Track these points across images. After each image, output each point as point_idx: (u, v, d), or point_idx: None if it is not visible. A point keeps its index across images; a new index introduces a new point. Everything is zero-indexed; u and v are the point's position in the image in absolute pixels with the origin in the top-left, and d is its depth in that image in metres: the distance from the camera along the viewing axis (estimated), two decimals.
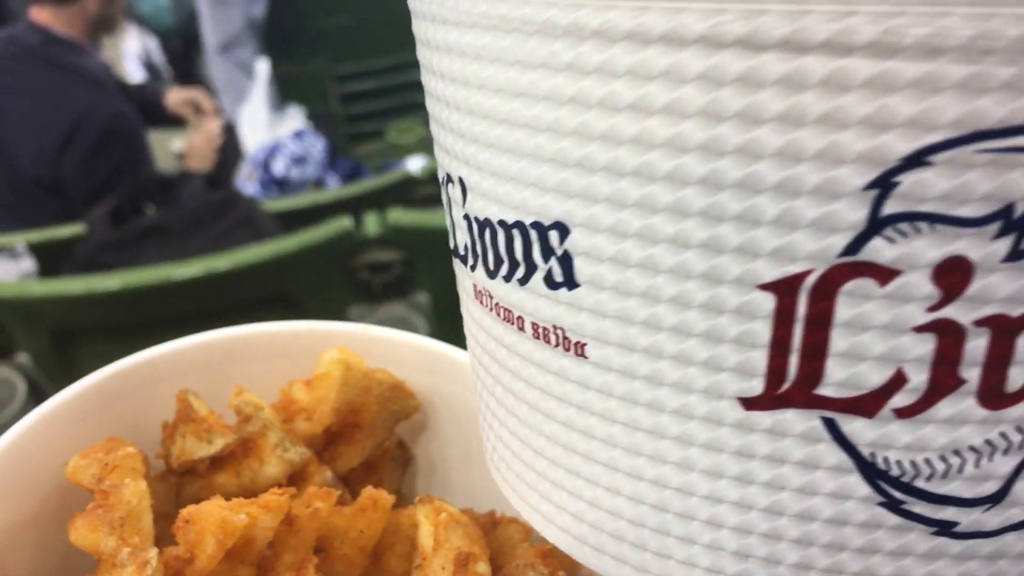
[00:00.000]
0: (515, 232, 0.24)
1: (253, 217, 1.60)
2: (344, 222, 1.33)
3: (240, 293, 1.39)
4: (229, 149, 2.16)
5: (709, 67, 0.18)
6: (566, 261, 0.23)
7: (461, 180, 0.26)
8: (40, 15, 1.75)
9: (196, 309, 1.37)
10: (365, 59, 2.74)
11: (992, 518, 0.21)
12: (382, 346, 0.40)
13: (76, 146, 1.69)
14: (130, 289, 1.33)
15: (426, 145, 2.48)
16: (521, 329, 0.25)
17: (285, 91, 2.42)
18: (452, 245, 0.29)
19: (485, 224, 0.25)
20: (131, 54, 3.33)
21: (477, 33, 0.22)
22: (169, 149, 2.35)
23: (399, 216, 1.32)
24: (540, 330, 0.25)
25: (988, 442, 0.20)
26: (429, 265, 1.36)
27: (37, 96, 1.70)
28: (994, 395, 0.20)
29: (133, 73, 3.21)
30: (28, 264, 1.51)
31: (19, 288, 1.36)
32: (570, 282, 0.23)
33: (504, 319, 0.26)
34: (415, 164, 2.00)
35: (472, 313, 0.29)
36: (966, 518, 0.21)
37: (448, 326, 1.38)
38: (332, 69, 2.68)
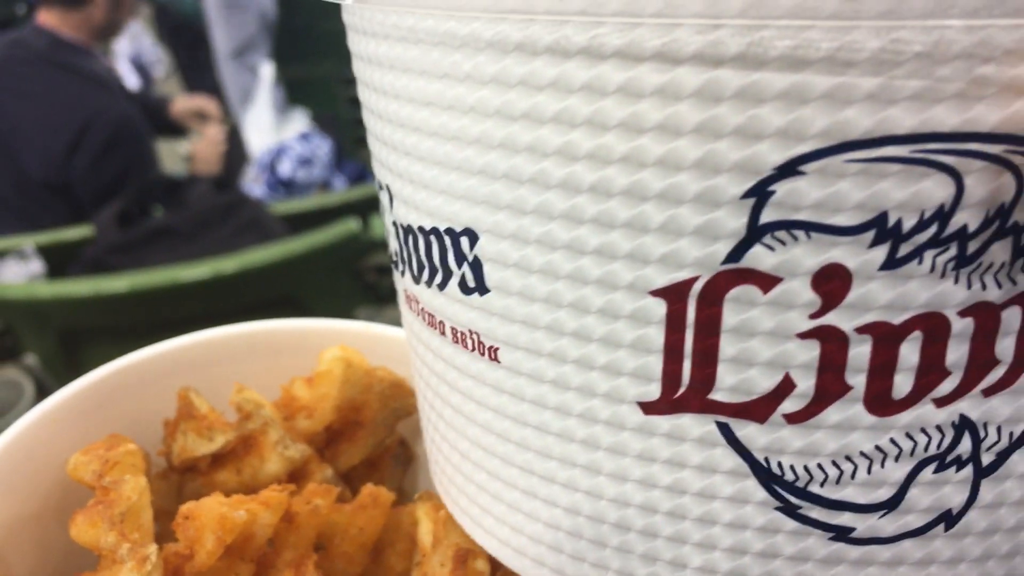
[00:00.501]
0: (433, 238, 0.24)
1: (260, 219, 1.60)
2: (351, 224, 1.33)
3: (247, 295, 1.39)
4: (235, 152, 2.16)
5: (592, 78, 0.19)
6: (477, 267, 0.23)
7: (388, 188, 0.26)
8: (47, 19, 1.76)
9: (203, 311, 1.37)
10: None
11: (888, 524, 0.22)
12: (383, 344, 0.40)
13: (85, 149, 1.70)
14: (137, 291, 1.33)
15: None
16: (443, 333, 0.26)
17: (291, 94, 2.42)
18: (389, 251, 0.29)
19: (408, 230, 0.26)
20: (123, 54, 3.33)
21: (391, 46, 0.23)
22: (177, 152, 2.35)
23: None
24: (458, 334, 0.25)
25: (878, 448, 0.21)
26: None
27: (45, 99, 1.70)
28: (881, 402, 0.20)
29: (125, 75, 3.21)
30: (37, 266, 1.52)
31: (27, 290, 1.36)
32: (481, 287, 0.23)
33: (428, 323, 0.27)
34: None
35: (405, 318, 0.29)
36: (862, 524, 0.22)
37: None
38: (339, 72, 2.69)
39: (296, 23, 2.71)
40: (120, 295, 1.33)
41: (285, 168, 2.11)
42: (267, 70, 2.26)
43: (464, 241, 0.23)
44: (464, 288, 0.24)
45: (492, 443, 0.26)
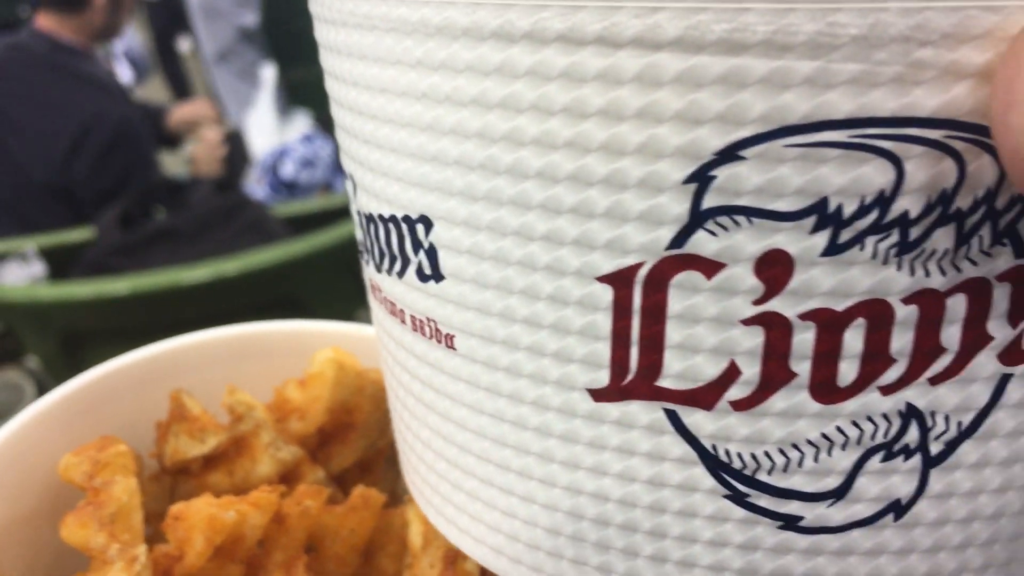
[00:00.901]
0: (392, 226, 0.25)
1: (262, 221, 1.61)
2: (353, 226, 1.33)
3: (249, 297, 1.39)
4: (236, 154, 2.16)
5: (536, 63, 0.19)
6: (432, 254, 0.23)
7: (352, 177, 0.27)
8: (45, 22, 1.76)
9: (205, 313, 1.37)
10: None
11: (836, 513, 0.22)
12: (376, 345, 0.40)
13: (85, 151, 1.70)
14: (139, 293, 1.33)
15: None
16: (403, 322, 0.26)
17: (293, 96, 2.43)
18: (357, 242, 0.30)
19: (371, 219, 0.26)
20: (117, 49, 3.34)
21: (343, 32, 0.23)
22: (179, 155, 2.36)
23: None
24: (417, 322, 0.25)
25: (825, 436, 0.21)
26: None
27: (45, 103, 1.71)
28: (826, 389, 0.20)
29: (121, 71, 3.22)
30: (38, 268, 1.52)
31: (28, 292, 1.37)
32: (436, 274, 0.24)
33: (390, 312, 0.27)
34: None
35: (372, 307, 0.29)
36: (810, 513, 0.22)
37: None
38: None
39: (298, 25, 2.72)
40: (121, 297, 1.33)
41: (287, 170, 2.12)
42: (269, 73, 2.27)
43: (420, 228, 0.23)
44: (421, 275, 0.24)
45: (451, 431, 0.26)
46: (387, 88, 0.22)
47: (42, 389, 1.30)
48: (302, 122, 2.25)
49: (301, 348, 0.40)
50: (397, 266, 0.25)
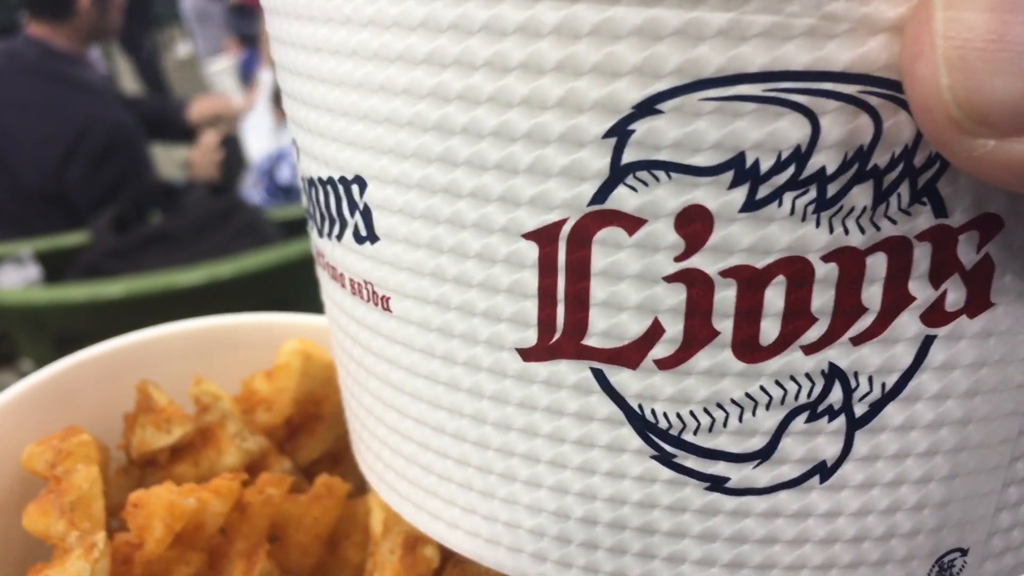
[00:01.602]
0: (330, 188, 0.24)
1: (256, 224, 1.61)
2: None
3: (243, 300, 1.39)
4: (232, 158, 2.17)
5: (458, 17, 0.19)
6: (367, 214, 0.23)
7: (295, 142, 0.27)
8: (37, 30, 1.77)
9: (199, 316, 1.37)
10: None
11: (762, 475, 0.22)
12: None
13: (80, 157, 1.71)
14: (133, 296, 1.34)
15: None
16: (343, 286, 0.26)
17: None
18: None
19: (312, 183, 0.26)
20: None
21: None
22: (174, 158, 2.37)
23: None
24: (355, 285, 0.25)
25: (748, 396, 0.21)
26: None
27: (39, 109, 1.71)
28: (749, 348, 0.20)
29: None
30: (33, 271, 1.53)
31: (23, 295, 1.37)
32: (371, 236, 0.23)
33: (332, 277, 0.27)
34: None
35: (320, 278, 0.29)
36: (736, 474, 0.22)
37: None
38: None
39: None
40: (116, 300, 1.33)
41: (284, 174, 2.12)
42: (266, 76, 2.28)
43: (355, 189, 0.23)
44: (357, 237, 0.24)
45: (389, 396, 0.26)
46: (321, 46, 0.22)
47: None
48: None
49: (270, 340, 0.40)
50: (336, 229, 0.25)
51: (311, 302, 1.13)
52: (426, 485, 0.26)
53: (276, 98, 2.30)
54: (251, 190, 2.10)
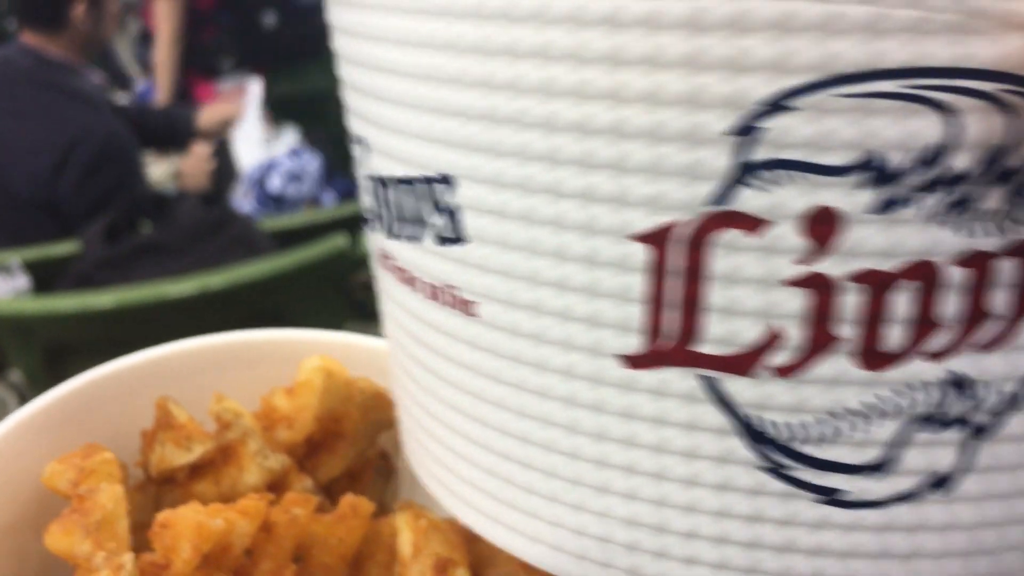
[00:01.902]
0: (408, 187, 0.24)
1: (248, 235, 1.60)
2: (339, 240, 1.33)
3: (235, 311, 1.39)
4: (224, 168, 2.16)
5: (573, 9, 0.18)
6: (454, 215, 0.22)
7: (362, 139, 0.26)
8: (31, 39, 1.76)
9: (190, 327, 1.36)
10: None
11: (878, 487, 0.21)
12: (364, 354, 0.40)
13: (72, 166, 1.70)
14: (124, 306, 1.32)
15: None
16: (417, 289, 0.25)
17: (283, 111, 2.43)
18: (366, 216, 0.28)
19: (383, 182, 0.25)
20: None
21: None
22: (166, 169, 2.36)
23: None
24: (433, 289, 0.24)
25: (868, 404, 0.20)
26: None
27: (31, 118, 1.70)
28: (871, 355, 0.19)
29: None
30: (23, 281, 1.51)
31: (12, 305, 1.36)
32: (458, 237, 0.23)
33: (402, 280, 0.26)
34: None
35: (381, 280, 0.28)
36: (851, 486, 0.21)
37: None
38: (332, 88, 2.69)
39: (287, 38, 2.72)
40: (106, 310, 1.32)
41: (274, 184, 2.11)
42: (256, 87, 2.27)
43: (440, 188, 0.22)
44: (440, 239, 0.23)
45: (467, 404, 0.25)
46: (406, 39, 0.21)
47: (25, 403, 1.29)
48: (289, 136, 2.25)
49: (288, 356, 0.39)
50: (413, 230, 0.24)
51: (305, 313, 1.13)
52: (506, 498, 0.25)
53: (269, 107, 2.30)
54: (242, 200, 2.09)
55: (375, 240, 0.27)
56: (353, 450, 0.38)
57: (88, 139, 1.71)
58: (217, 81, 2.53)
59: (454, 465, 0.27)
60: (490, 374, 0.24)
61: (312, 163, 2.14)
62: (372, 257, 0.29)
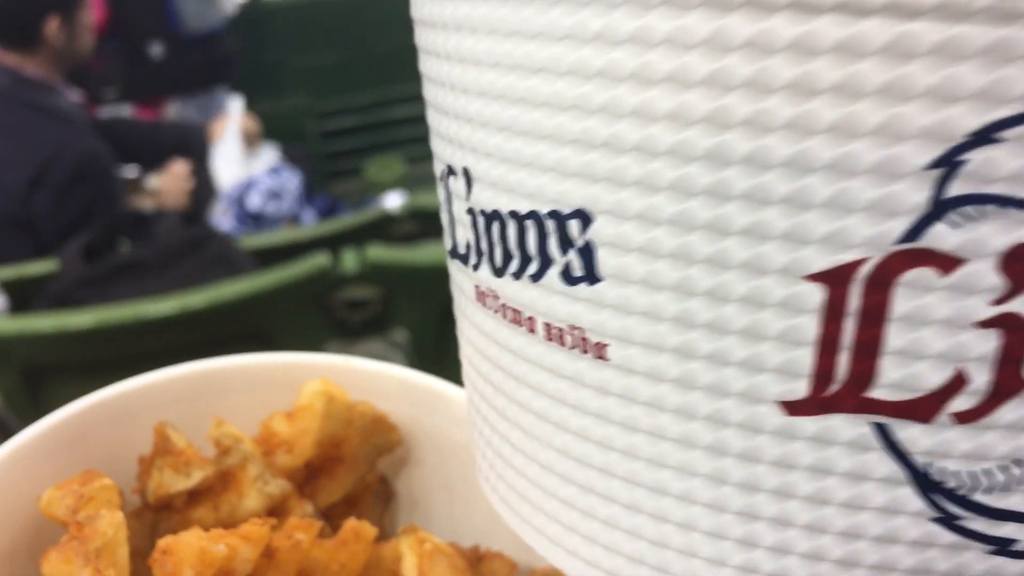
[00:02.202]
0: (528, 223, 0.22)
1: (229, 254, 1.59)
2: (321, 259, 1.33)
3: (215, 330, 1.38)
4: (202, 186, 2.15)
5: (755, 33, 0.17)
6: (587, 253, 0.21)
7: (466, 171, 0.24)
8: (7, 58, 1.75)
9: (171, 346, 1.36)
10: (345, 96, 2.76)
11: None
12: (363, 378, 0.40)
13: (48, 184, 1.69)
14: (103, 326, 1.31)
15: (405, 182, 2.48)
16: (531, 331, 0.23)
17: (262, 129, 2.43)
18: (449, 245, 0.27)
19: (493, 217, 0.23)
20: None
21: (491, 6, 0.21)
22: (144, 188, 2.35)
23: (378, 253, 1.31)
24: (554, 331, 0.23)
25: None
26: (408, 302, 1.35)
27: (7, 135, 1.69)
28: None
29: None
30: (0, 301, 1.50)
31: None
32: (591, 276, 0.21)
33: (512, 321, 0.24)
34: (393, 201, 2.00)
35: (472, 318, 0.27)
36: None
37: (427, 364, 1.37)
38: (312, 106, 2.69)
39: (267, 59, 2.72)
40: (85, 330, 1.31)
41: (254, 201, 2.11)
42: (236, 104, 2.27)
43: (573, 224, 0.21)
44: (568, 278, 0.22)
45: (589, 452, 0.23)
46: (543, 67, 0.20)
47: (3, 424, 1.27)
48: (269, 154, 2.25)
49: (288, 380, 0.39)
50: (531, 268, 0.22)
51: (287, 332, 1.12)
52: (630, 551, 0.24)
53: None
54: (221, 218, 2.08)
55: (470, 277, 0.26)
56: (353, 475, 0.38)
57: (64, 157, 1.70)
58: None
59: (562, 516, 0.25)
60: (621, 421, 0.22)
61: (292, 181, 2.13)
62: (461, 294, 0.27)
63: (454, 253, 0.27)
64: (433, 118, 0.26)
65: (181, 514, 0.36)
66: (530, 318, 0.23)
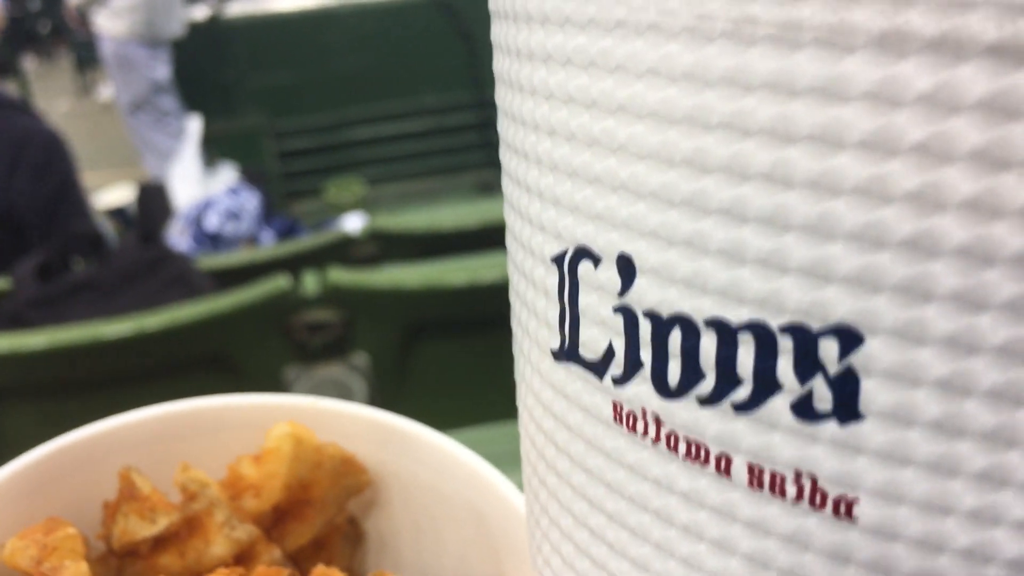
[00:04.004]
0: (746, 337, 0.17)
1: (187, 275, 1.58)
2: (282, 281, 1.32)
3: (172, 352, 1.36)
4: (159, 205, 2.14)
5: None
6: (846, 382, 0.16)
7: (626, 258, 0.19)
8: None
9: (126, 369, 1.34)
10: (303, 116, 2.75)
11: None
12: (331, 419, 0.39)
13: (23, 167, 1.72)
14: (57, 348, 1.29)
15: (365, 203, 2.48)
16: (722, 471, 0.18)
17: (219, 148, 2.41)
18: (555, 345, 0.22)
19: (673, 323, 0.18)
20: None
21: (684, 43, 0.16)
22: (97, 205, 2.32)
23: (338, 275, 1.31)
24: (765, 477, 0.18)
25: None
26: (368, 325, 1.35)
27: None
28: None
29: None
30: None
31: None
32: (847, 412, 0.16)
33: (688, 455, 0.19)
34: (353, 223, 1.99)
35: (597, 442, 0.21)
36: None
37: (387, 387, 1.37)
38: (270, 126, 2.68)
39: (225, 78, 2.71)
40: (39, 352, 1.29)
41: (212, 222, 2.09)
42: (194, 124, 2.25)
43: (828, 345, 0.16)
44: (805, 412, 0.17)
45: None
46: (817, 135, 0.15)
47: None
48: (227, 174, 2.23)
49: (255, 422, 0.39)
50: (739, 394, 0.18)
51: (246, 355, 1.11)
52: None
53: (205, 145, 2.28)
54: (178, 238, 2.06)
55: (605, 392, 0.21)
56: (322, 517, 0.38)
57: (33, 139, 1.75)
58: None
59: None
60: None
61: (251, 201, 2.12)
62: (574, 409, 0.22)
63: (571, 357, 0.21)
64: (555, 184, 0.20)
65: (147, 561, 0.35)
66: (723, 457, 0.18)
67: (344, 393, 1.36)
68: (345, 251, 1.65)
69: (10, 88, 2.07)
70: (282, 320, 1.38)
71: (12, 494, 0.35)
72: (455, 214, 1.93)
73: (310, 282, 1.34)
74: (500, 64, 0.22)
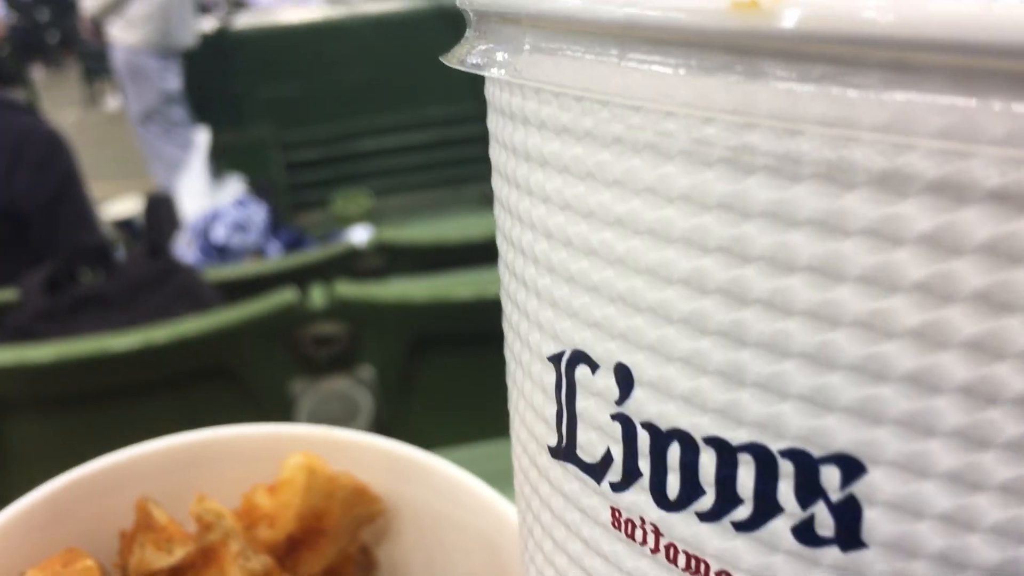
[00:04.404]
0: (742, 456, 0.17)
1: (194, 287, 1.59)
2: (289, 294, 1.32)
3: (179, 365, 1.37)
4: (166, 217, 2.14)
5: None
6: (847, 509, 0.16)
7: (624, 368, 0.18)
8: None
9: (134, 382, 1.34)
10: (311, 127, 2.76)
11: None
12: (346, 449, 0.40)
13: (24, 163, 1.73)
14: (65, 361, 1.30)
15: (371, 216, 2.48)
16: None
17: (227, 159, 2.42)
18: (553, 442, 0.21)
19: (671, 436, 0.18)
20: None
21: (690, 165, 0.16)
22: (104, 216, 2.33)
23: (346, 288, 1.31)
24: None
25: None
26: (375, 339, 1.35)
27: None
28: None
29: None
30: None
31: None
32: (848, 539, 0.16)
33: (687, 568, 0.19)
34: (359, 235, 2.00)
35: (594, 543, 0.21)
36: None
37: (392, 401, 1.37)
38: (277, 137, 2.69)
39: (233, 89, 2.72)
40: (46, 365, 1.29)
41: (219, 233, 2.09)
42: (202, 136, 2.26)
43: (829, 472, 0.16)
44: (805, 535, 0.16)
45: None
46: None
47: None
48: (235, 186, 2.24)
49: (269, 452, 0.39)
50: (739, 513, 0.17)
51: (253, 368, 1.11)
52: None
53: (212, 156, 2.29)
54: (185, 249, 2.07)
55: (602, 496, 0.20)
56: (335, 547, 0.38)
57: (33, 136, 1.78)
58: None
59: None
60: None
61: (258, 213, 2.13)
62: (572, 508, 0.21)
63: (568, 457, 0.21)
64: (539, 281, 0.20)
65: None
66: (724, 573, 0.18)
67: (350, 406, 1.37)
68: (351, 264, 1.66)
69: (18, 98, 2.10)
70: (289, 333, 1.38)
71: (30, 524, 0.35)
72: (460, 226, 1.94)
73: (317, 295, 1.35)
74: (496, 155, 0.21)
